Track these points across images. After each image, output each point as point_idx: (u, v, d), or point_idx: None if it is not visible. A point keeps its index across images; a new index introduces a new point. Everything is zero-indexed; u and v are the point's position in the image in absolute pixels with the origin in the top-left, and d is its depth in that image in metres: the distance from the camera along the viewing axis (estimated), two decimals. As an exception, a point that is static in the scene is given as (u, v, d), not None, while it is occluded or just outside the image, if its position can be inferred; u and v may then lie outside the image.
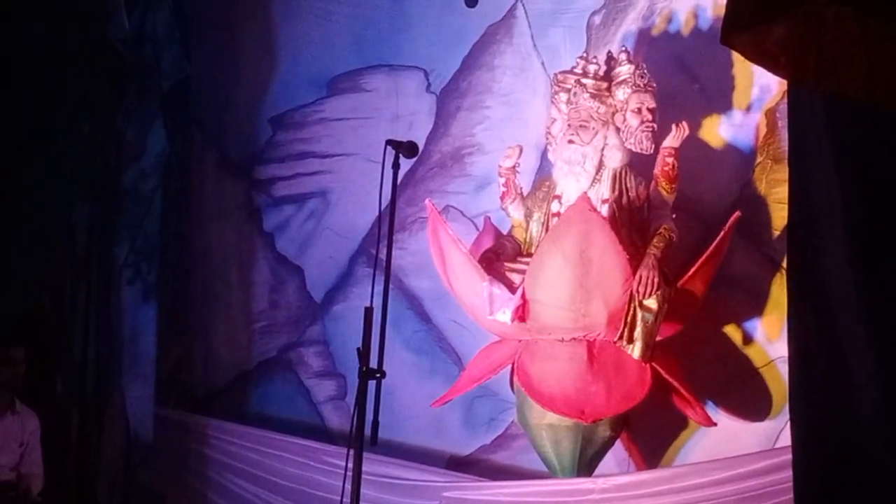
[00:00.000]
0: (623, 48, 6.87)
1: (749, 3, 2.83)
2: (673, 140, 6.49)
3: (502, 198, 6.87)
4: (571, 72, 6.80)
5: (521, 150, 6.85)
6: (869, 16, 2.61)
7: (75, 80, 7.58)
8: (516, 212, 6.84)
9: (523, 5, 7.57)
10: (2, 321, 7.29)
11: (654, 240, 6.41)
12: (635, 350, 6.24)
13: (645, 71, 6.68)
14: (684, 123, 6.51)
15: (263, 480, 7.54)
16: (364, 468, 4.88)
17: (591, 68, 6.74)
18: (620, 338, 6.24)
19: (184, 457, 7.65)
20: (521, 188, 6.88)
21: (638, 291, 6.18)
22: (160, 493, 7.87)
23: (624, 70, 6.70)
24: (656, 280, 6.21)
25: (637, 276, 6.21)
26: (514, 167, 6.86)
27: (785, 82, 4.01)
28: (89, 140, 7.58)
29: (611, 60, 6.83)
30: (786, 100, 4.99)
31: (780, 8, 2.76)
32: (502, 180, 6.86)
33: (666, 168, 6.48)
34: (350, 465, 4.80)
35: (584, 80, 6.69)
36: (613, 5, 7.30)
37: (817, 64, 2.67)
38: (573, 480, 6.46)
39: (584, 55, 6.89)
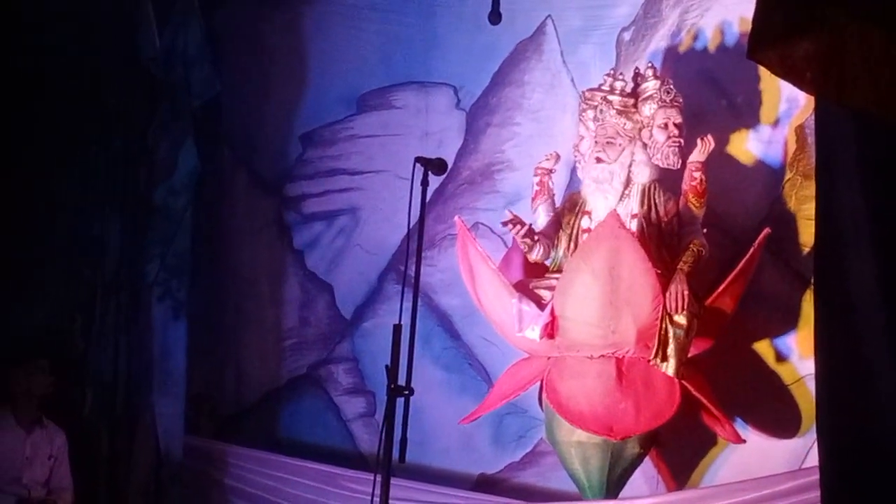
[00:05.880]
0: (649, 64, 6.87)
1: (776, 18, 2.83)
2: (699, 154, 6.49)
3: (534, 197, 6.89)
4: (598, 89, 6.81)
5: (558, 157, 6.88)
6: (892, 35, 2.61)
7: (106, 98, 7.61)
8: (545, 214, 6.84)
9: (553, 22, 7.57)
10: (33, 336, 7.31)
11: (684, 255, 6.39)
12: (669, 367, 6.22)
13: (671, 86, 6.67)
14: (709, 137, 6.51)
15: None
16: (390, 493, 4.84)
17: (618, 85, 6.74)
18: (655, 356, 6.22)
19: (205, 486, 7.63)
20: (553, 191, 6.88)
21: (669, 307, 6.16)
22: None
23: (650, 86, 6.71)
24: (686, 294, 6.20)
25: (668, 292, 6.20)
26: (550, 171, 6.88)
27: (813, 98, 4.01)
28: (120, 158, 7.61)
29: (637, 77, 6.84)
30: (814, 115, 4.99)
31: (807, 24, 2.75)
32: (536, 179, 6.87)
33: (693, 183, 6.47)
34: (377, 490, 4.77)
35: (610, 97, 6.70)
36: (643, 21, 7.31)
37: (840, 81, 2.67)
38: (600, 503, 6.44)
39: (611, 72, 6.90)
